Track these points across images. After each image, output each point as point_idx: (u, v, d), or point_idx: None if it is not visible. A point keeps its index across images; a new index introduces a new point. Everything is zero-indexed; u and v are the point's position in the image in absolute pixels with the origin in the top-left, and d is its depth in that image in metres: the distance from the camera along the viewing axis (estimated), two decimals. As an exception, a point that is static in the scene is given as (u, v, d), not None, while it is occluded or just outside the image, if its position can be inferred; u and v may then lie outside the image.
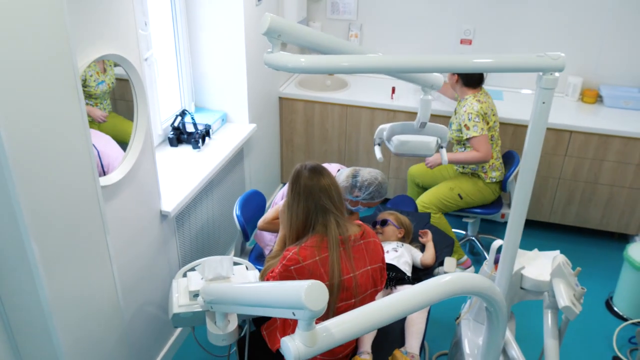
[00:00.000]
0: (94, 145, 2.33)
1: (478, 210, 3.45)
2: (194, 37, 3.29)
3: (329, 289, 1.95)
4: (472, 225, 3.72)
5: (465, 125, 3.17)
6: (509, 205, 3.39)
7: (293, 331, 1.47)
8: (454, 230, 3.68)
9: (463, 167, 3.38)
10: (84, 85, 2.15)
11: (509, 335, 2.19)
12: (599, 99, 3.87)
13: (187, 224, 2.90)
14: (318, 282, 1.41)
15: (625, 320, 3.17)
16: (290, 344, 1.39)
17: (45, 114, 1.56)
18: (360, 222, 2.13)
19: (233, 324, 2.02)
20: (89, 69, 2.12)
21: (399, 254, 2.50)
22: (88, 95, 2.20)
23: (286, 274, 1.95)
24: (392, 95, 3.84)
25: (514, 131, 3.65)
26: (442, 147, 2.32)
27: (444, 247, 2.75)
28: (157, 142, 3.12)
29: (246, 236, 2.82)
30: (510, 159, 3.44)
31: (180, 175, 2.87)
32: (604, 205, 3.72)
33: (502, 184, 3.37)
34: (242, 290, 1.72)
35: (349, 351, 2.12)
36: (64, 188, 1.68)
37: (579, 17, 3.77)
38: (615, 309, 3.25)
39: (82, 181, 1.76)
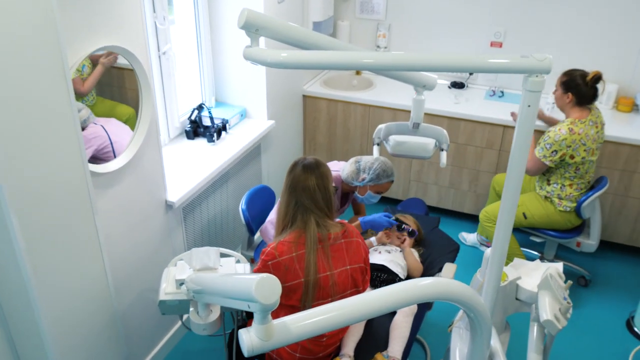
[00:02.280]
0: (105, 131, 2.44)
1: (552, 233, 3.23)
2: (216, 33, 3.35)
3: (304, 286, 1.95)
4: (548, 248, 3.46)
5: (539, 142, 3.01)
6: (589, 234, 3.28)
7: None
8: (524, 249, 3.53)
9: (541, 188, 3.18)
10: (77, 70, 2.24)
11: (498, 346, 2.11)
12: (635, 107, 3.67)
13: (196, 215, 2.96)
14: (270, 275, 1.41)
15: (647, 341, 3.00)
16: (245, 336, 1.39)
17: (30, 99, 1.62)
18: (344, 221, 2.11)
19: (215, 314, 2.04)
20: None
21: (392, 255, 2.46)
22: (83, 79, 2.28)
23: (264, 270, 1.96)
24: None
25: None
26: (442, 150, 2.27)
27: (448, 252, 2.69)
28: (175, 135, 3.20)
29: (251, 230, 2.85)
30: (597, 184, 3.17)
31: (192, 167, 2.92)
32: (634, 220, 3.53)
33: (577, 211, 3.12)
34: (207, 280, 1.74)
35: (329, 351, 2.11)
36: (50, 175, 1.75)
37: (615, 22, 3.59)
38: (636, 329, 3.07)
39: (70, 168, 1.82)
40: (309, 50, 1.68)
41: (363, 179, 2.62)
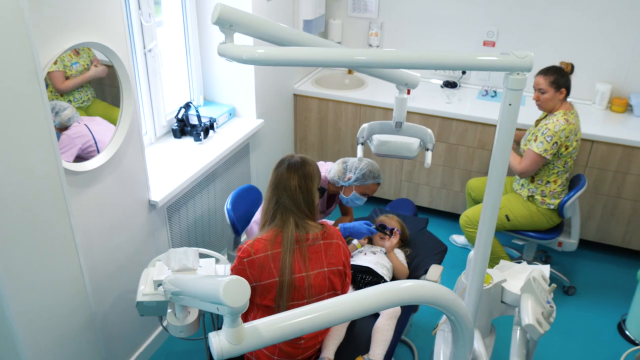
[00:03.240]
0: (89, 130, 2.41)
1: (531, 234, 3.18)
2: (205, 31, 3.31)
3: (279, 285, 1.92)
4: (527, 249, 3.41)
5: (536, 137, 2.95)
6: (570, 234, 3.24)
7: None
8: (508, 248, 3.52)
9: (521, 187, 3.14)
10: (64, 65, 2.21)
11: (482, 350, 2.08)
12: (628, 108, 3.63)
13: (182, 215, 2.92)
14: (239, 277, 1.37)
15: (637, 344, 2.95)
16: (214, 340, 1.36)
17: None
18: (325, 222, 2.07)
19: (193, 316, 2.01)
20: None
21: (377, 257, 2.42)
22: (66, 77, 2.25)
23: (239, 267, 1.93)
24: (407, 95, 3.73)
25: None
26: (427, 150, 2.22)
27: (435, 253, 2.65)
28: (162, 133, 3.17)
29: (237, 231, 2.81)
30: (576, 182, 3.12)
31: (177, 167, 2.89)
32: (627, 222, 3.48)
33: (559, 210, 3.09)
34: (181, 281, 1.70)
35: (309, 354, 2.07)
36: (22, 173, 1.71)
37: (609, 22, 3.55)
38: (627, 332, 3.03)
39: (43, 167, 1.78)
40: (286, 47, 1.65)
41: (349, 179, 2.59)
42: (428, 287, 1.57)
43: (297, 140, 4.13)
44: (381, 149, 2.18)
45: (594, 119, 3.55)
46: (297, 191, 1.98)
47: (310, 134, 4.06)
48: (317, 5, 3.78)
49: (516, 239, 3.32)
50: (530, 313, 1.71)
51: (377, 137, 2.18)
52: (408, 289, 1.53)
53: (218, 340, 1.35)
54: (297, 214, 1.98)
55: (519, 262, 3.24)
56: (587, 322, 3.14)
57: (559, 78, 2.92)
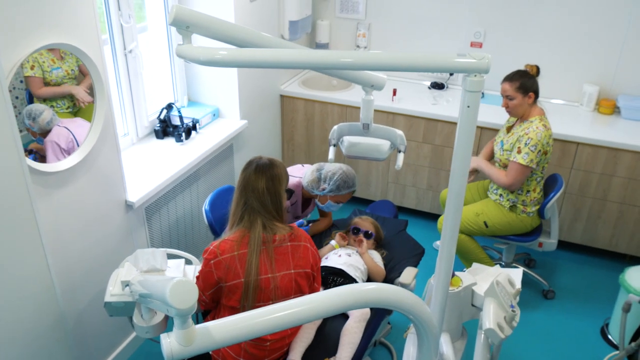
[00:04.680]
0: (70, 132, 2.41)
1: (514, 238, 3.14)
2: (188, 32, 3.31)
3: (244, 286, 1.92)
4: (507, 252, 3.37)
5: (519, 148, 2.88)
6: (549, 234, 3.22)
7: None
8: (490, 250, 3.51)
9: (500, 197, 3.07)
10: (42, 70, 2.21)
11: (451, 353, 2.06)
12: (616, 109, 3.60)
13: (162, 215, 2.92)
14: (186, 279, 1.37)
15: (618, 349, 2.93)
16: (164, 341, 1.35)
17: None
18: (294, 225, 2.07)
19: (159, 317, 2.00)
20: (41, 56, 2.16)
21: (352, 259, 2.41)
22: (47, 83, 2.25)
23: (206, 268, 1.93)
24: (392, 98, 3.73)
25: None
26: (399, 152, 2.21)
27: (411, 255, 2.63)
28: (144, 134, 3.17)
29: (215, 232, 2.81)
30: (553, 183, 3.10)
31: (157, 167, 2.89)
32: (613, 224, 3.45)
33: (540, 211, 3.06)
34: (144, 282, 1.70)
35: (276, 356, 2.06)
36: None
37: (597, 23, 3.52)
38: (610, 336, 3.01)
39: (5, 167, 1.78)
40: (245, 49, 1.64)
41: (323, 189, 2.57)
42: (389, 290, 1.56)
43: (285, 141, 4.13)
44: (351, 151, 2.18)
45: (581, 121, 3.53)
46: (265, 193, 1.98)
47: (297, 135, 4.06)
48: (303, 6, 3.78)
49: (498, 243, 3.30)
50: (491, 317, 1.70)
51: (347, 139, 2.17)
52: (369, 292, 1.52)
53: (168, 342, 1.35)
54: (265, 215, 1.98)
55: (501, 264, 3.22)
56: (570, 326, 3.11)
57: (525, 82, 2.87)
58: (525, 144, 2.85)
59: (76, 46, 2.13)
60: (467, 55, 1.54)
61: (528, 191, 2.99)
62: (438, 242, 3.74)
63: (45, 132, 2.26)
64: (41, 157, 2.23)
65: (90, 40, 2.21)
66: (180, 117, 3.17)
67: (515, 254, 3.41)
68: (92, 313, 2.54)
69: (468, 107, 1.60)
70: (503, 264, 3.38)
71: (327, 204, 2.63)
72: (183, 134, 3.12)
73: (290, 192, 2.56)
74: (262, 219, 1.96)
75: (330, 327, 2.23)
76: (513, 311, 1.73)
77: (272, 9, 3.60)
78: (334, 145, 2.27)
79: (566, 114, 3.59)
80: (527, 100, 2.89)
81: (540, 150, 2.85)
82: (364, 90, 1.96)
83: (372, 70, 1.72)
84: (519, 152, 2.88)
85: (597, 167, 3.34)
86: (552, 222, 3.17)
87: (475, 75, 1.56)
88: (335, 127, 2.18)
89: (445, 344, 2.08)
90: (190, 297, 1.35)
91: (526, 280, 3.37)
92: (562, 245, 3.71)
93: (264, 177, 2.00)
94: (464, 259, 3.15)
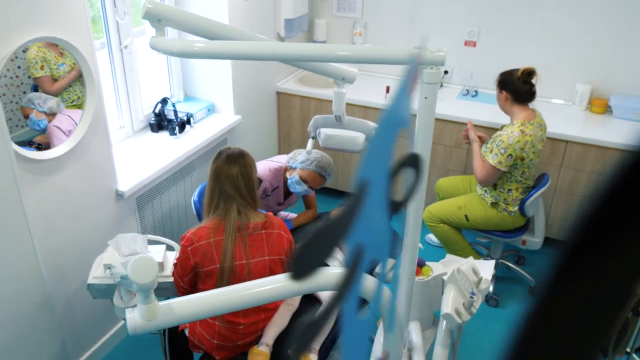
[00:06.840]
0: (71, 118, 2.52)
1: (496, 233, 3.16)
2: (184, 29, 3.41)
3: (219, 271, 1.99)
4: (494, 248, 3.39)
5: (491, 149, 2.91)
6: (533, 232, 3.25)
7: None
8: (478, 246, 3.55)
9: (485, 192, 3.11)
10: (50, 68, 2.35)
11: (419, 341, 2.11)
12: (608, 109, 3.61)
13: (155, 206, 3.01)
14: (147, 256, 1.45)
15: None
16: (129, 316, 1.44)
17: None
18: (269, 213, 2.14)
19: (137, 298, 2.08)
20: (47, 55, 2.29)
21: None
22: (55, 79, 2.39)
23: (183, 255, 2.00)
24: (385, 95, 3.78)
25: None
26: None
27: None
28: (139, 127, 3.27)
29: (204, 222, 2.89)
30: (539, 181, 3.09)
31: (150, 159, 2.98)
32: (602, 223, 3.46)
33: (521, 208, 3.05)
34: (122, 264, 1.79)
35: (250, 340, 2.13)
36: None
37: (590, 23, 3.54)
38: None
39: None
40: (215, 41, 1.72)
41: (296, 160, 2.67)
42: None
43: (281, 137, 4.20)
44: (328, 142, 2.24)
45: (573, 120, 3.55)
46: (239, 178, 2.05)
47: (294, 131, 4.13)
48: (298, 4, 3.85)
49: (480, 237, 3.34)
50: (450, 303, 1.75)
51: (324, 131, 2.24)
52: (325, 276, 1.59)
53: (132, 317, 1.43)
54: (239, 200, 2.04)
55: (487, 260, 3.25)
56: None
57: (503, 79, 2.90)
58: (497, 145, 2.88)
59: (64, 39, 2.23)
60: (423, 48, 1.59)
61: (510, 190, 3.02)
62: (430, 235, 3.78)
63: (52, 116, 2.39)
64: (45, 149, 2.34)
65: (79, 33, 2.30)
66: (175, 112, 3.26)
67: (503, 251, 3.44)
68: (80, 298, 2.63)
69: (425, 98, 1.66)
70: (489, 259, 3.42)
71: (292, 178, 2.68)
72: (177, 128, 3.22)
73: (259, 181, 2.64)
74: (237, 204, 2.03)
75: (306, 315, 2.29)
76: (471, 298, 1.78)
77: (268, 7, 3.68)
78: (313, 138, 2.34)
79: (559, 113, 3.61)
80: (502, 97, 2.93)
81: (511, 155, 2.84)
82: (336, 83, 2.03)
83: (335, 62, 1.79)
84: (491, 151, 2.92)
85: (587, 165, 3.36)
86: (537, 221, 3.18)
87: (432, 68, 1.62)
88: (312, 119, 2.25)
89: (415, 332, 2.13)
90: (150, 273, 1.43)
91: (514, 277, 3.41)
92: (552, 243, 3.72)
93: (236, 164, 2.08)
94: (448, 248, 3.21)
